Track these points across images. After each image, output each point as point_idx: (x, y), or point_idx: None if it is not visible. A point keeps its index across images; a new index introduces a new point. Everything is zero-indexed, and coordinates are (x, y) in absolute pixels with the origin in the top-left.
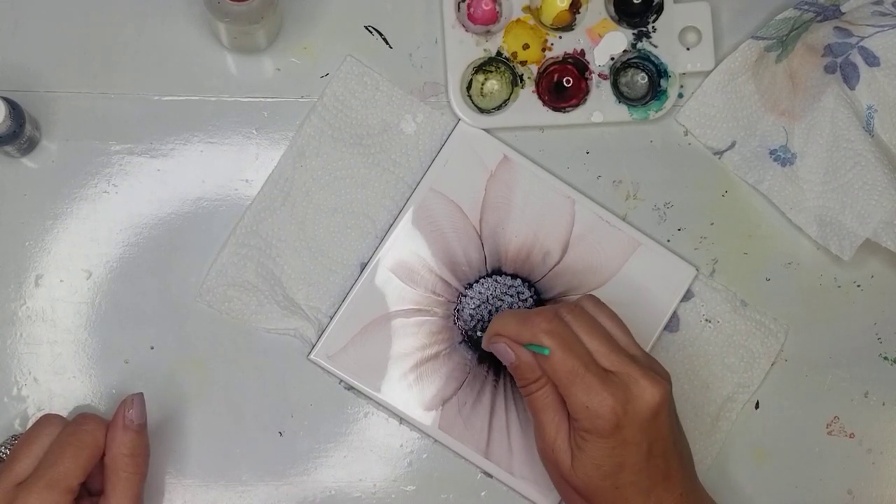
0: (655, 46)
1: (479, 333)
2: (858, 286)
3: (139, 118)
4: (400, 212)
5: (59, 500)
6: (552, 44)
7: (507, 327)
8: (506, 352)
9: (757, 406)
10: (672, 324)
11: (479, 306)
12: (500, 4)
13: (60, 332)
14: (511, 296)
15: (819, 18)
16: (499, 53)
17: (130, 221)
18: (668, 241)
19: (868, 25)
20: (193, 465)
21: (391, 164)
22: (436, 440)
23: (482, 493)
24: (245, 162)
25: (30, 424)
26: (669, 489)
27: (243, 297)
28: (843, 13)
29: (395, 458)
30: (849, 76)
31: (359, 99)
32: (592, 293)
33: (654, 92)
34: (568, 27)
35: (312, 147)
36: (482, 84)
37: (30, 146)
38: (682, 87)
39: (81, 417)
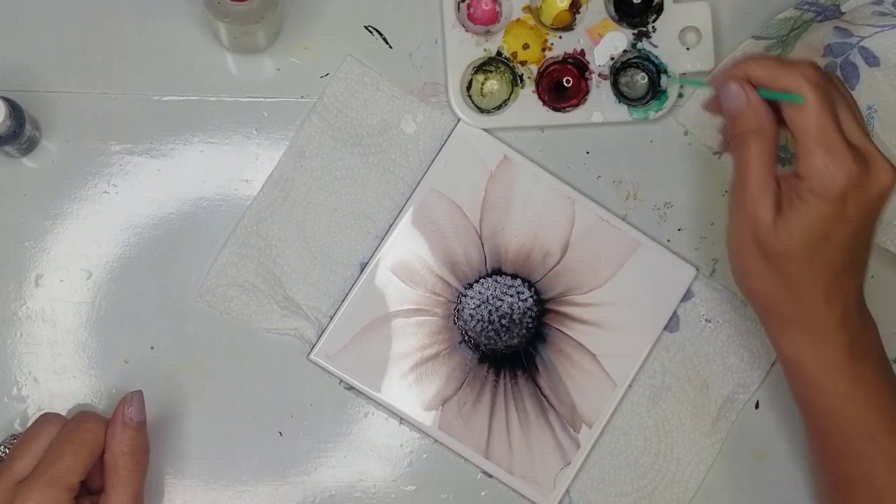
0: (655, 46)
1: (481, 339)
2: None
3: (139, 118)
4: (400, 212)
5: (60, 498)
6: (552, 44)
7: (761, 69)
8: (737, 94)
9: (757, 406)
10: (672, 324)
11: (479, 306)
12: (500, 4)
13: (60, 332)
14: (511, 296)
15: (819, 18)
16: (499, 53)
17: (130, 221)
18: (668, 241)
19: (868, 25)
20: (193, 465)
21: (391, 164)
22: (436, 440)
23: (482, 493)
24: (245, 162)
25: (30, 423)
26: (852, 278)
27: (243, 297)
28: (843, 13)
29: (395, 458)
30: (849, 76)
31: (359, 99)
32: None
33: (654, 92)
34: (568, 27)
35: (312, 147)
36: (482, 84)
37: (30, 146)
38: (682, 86)
39: (81, 415)
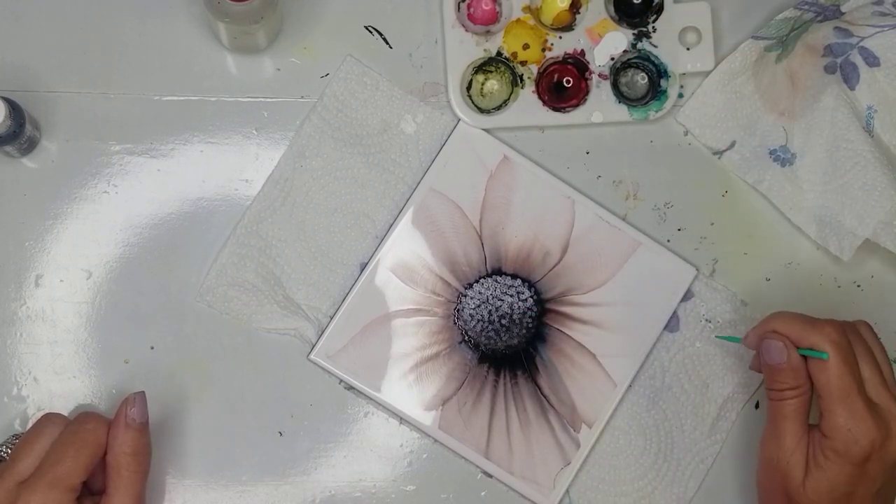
0: (655, 46)
1: (481, 339)
2: (858, 286)
3: (139, 118)
4: (400, 212)
5: (62, 499)
6: (552, 44)
7: (789, 326)
8: (780, 352)
9: (757, 406)
10: (672, 324)
11: (479, 306)
12: (500, 4)
13: (60, 332)
14: (511, 296)
15: (819, 18)
16: (499, 53)
17: (130, 221)
18: (668, 241)
19: (868, 25)
20: (193, 465)
21: (391, 164)
22: (436, 440)
23: (482, 493)
24: (245, 162)
25: (30, 424)
26: None
27: (243, 297)
28: (843, 13)
29: (395, 458)
30: (849, 76)
31: (359, 99)
32: (866, 321)
33: (654, 92)
34: (568, 27)
35: (312, 147)
36: (482, 84)
37: (30, 146)
38: (682, 87)
39: (83, 416)
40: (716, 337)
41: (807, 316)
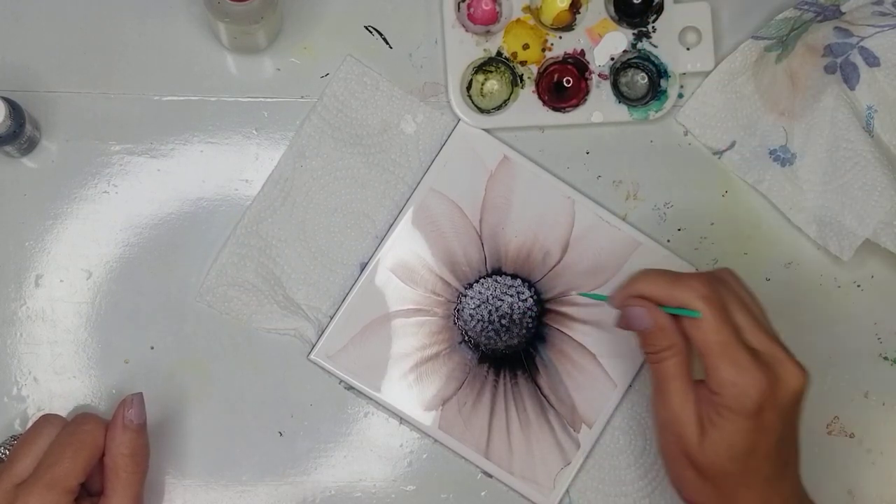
0: (655, 46)
1: (481, 338)
2: (858, 286)
3: (139, 118)
4: (400, 212)
5: (59, 501)
6: (552, 44)
7: (654, 287)
8: (641, 317)
9: None
10: None
11: (479, 306)
12: (500, 4)
13: (60, 332)
14: (511, 296)
15: (819, 18)
16: (499, 53)
17: (130, 221)
18: (668, 241)
19: (868, 25)
20: (193, 465)
21: (391, 164)
22: (436, 440)
23: (482, 493)
24: (245, 162)
25: (30, 424)
26: (785, 480)
27: (243, 297)
28: (843, 13)
29: (395, 458)
30: (849, 76)
31: (359, 99)
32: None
33: (654, 92)
34: (568, 27)
35: (312, 147)
36: (482, 84)
37: (30, 146)
38: (682, 87)
39: (81, 417)
40: (579, 294)
41: (671, 272)
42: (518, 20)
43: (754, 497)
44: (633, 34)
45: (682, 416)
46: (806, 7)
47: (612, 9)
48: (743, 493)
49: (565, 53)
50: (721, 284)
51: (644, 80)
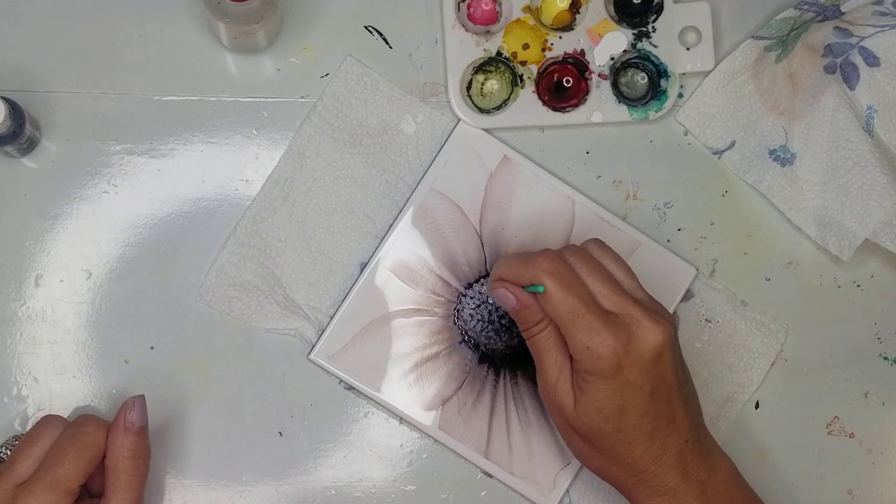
0: (655, 46)
1: (481, 338)
2: (858, 286)
3: (139, 118)
4: (400, 212)
5: (60, 502)
6: (552, 44)
7: (508, 269)
8: (506, 297)
9: (757, 406)
10: None
11: (478, 306)
12: (500, 4)
13: (60, 332)
14: None
15: (819, 18)
16: (499, 53)
17: (130, 221)
18: (668, 241)
19: (868, 25)
20: (193, 465)
21: (391, 164)
22: (436, 440)
23: (482, 493)
24: (245, 162)
25: (30, 425)
26: (674, 434)
27: (243, 297)
28: (843, 13)
29: (395, 458)
30: (849, 76)
31: (359, 99)
32: (597, 237)
33: (654, 92)
34: (568, 27)
35: (312, 147)
36: (482, 84)
37: (30, 146)
38: (682, 87)
39: (82, 419)
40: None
41: (524, 253)
42: (518, 20)
43: (639, 454)
44: (633, 34)
45: (558, 386)
46: (806, 7)
47: (611, 9)
48: (624, 451)
49: (565, 53)
50: (577, 256)
51: (644, 80)
